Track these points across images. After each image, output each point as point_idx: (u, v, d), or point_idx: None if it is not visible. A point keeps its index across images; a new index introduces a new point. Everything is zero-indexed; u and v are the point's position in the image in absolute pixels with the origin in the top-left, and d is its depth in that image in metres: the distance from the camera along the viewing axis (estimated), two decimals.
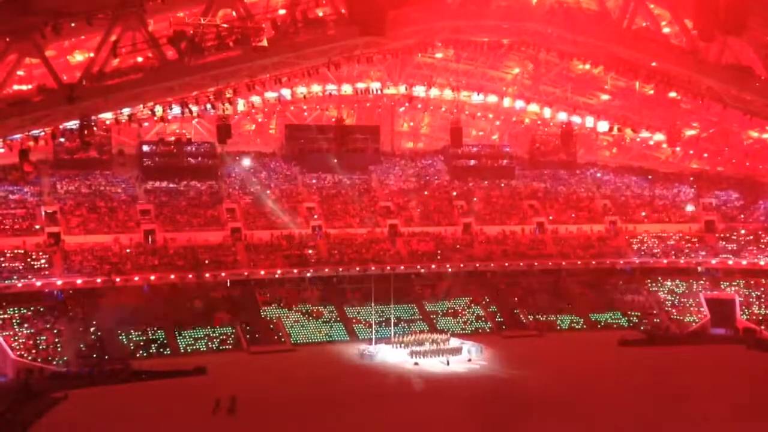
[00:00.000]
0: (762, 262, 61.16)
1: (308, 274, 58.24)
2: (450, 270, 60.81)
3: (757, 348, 51.28)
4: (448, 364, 46.38)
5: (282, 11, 46.77)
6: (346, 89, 61.94)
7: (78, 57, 54.42)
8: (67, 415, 36.22)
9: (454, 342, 50.18)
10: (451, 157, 71.54)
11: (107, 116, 51.23)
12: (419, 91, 64.13)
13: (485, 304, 59.39)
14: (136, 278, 53.52)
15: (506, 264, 62.25)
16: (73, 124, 47.48)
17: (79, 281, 51.97)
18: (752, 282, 60.75)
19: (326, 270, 58.52)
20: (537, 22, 49.82)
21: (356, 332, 54.34)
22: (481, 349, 49.48)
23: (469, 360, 47.67)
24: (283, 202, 63.47)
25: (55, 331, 49.16)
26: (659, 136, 69.04)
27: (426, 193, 68.73)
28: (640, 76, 56.24)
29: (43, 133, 49.82)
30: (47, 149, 57.75)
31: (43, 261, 52.99)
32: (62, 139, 54.71)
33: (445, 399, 39.23)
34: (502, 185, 70.98)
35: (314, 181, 67.35)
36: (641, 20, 50.83)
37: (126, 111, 51.18)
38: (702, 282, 62.08)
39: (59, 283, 51.69)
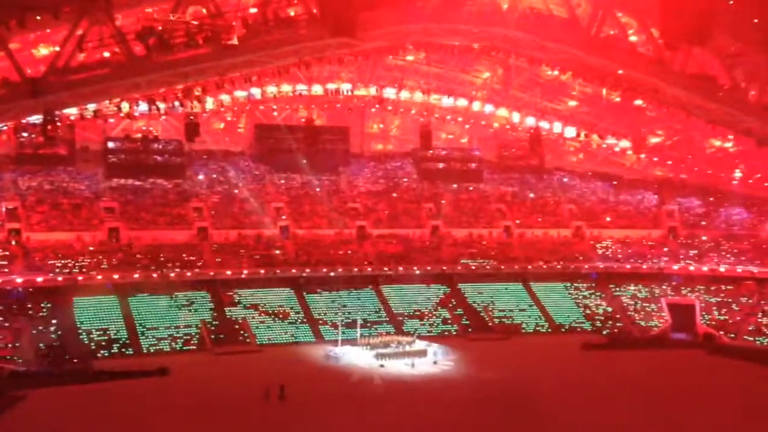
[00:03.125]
0: (722, 269, 62.34)
1: (275, 275, 57.84)
2: (417, 272, 61.01)
3: (716, 353, 52.21)
4: (413, 366, 46.43)
5: (253, 10, 46.43)
6: (317, 90, 61.74)
7: (43, 50, 53.28)
8: (26, 415, 35.50)
9: (420, 344, 50.26)
10: (421, 159, 71.82)
11: (72, 111, 50.48)
12: (390, 93, 64.21)
13: (452, 306, 59.60)
14: (99, 277, 52.67)
15: (473, 267, 62.63)
16: (36, 118, 46.65)
17: (40, 279, 50.99)
18: (712, 288, 61.85)
19: (293, 271, 58.23)
20: (508, 27, 50.17)
21: (322, 334, 54.14)
22: (446, 352, 49.63)
23: (435, 362, 47.76)
24: (251, 202, 63.10)
25: (15, 330, 48.06)
26: (625, 143, 70.07)
27: (395, 195, 68.86)
28: (607, 83, 57.08)
29: (5, 128, 48.95)
30: (9, 144, 56.65)
31: (2, 258, 51.84)
32: (25, 134, 53.64)
33: (408, 401, 39.25)
34: (471, 188, 71.43)
35: (283, 181, 67.04)
36: (609, 28, 51.52)
37: (91, 106, 50.47)
38: (664, 287, 63.10)
39: (19, 280, 50.64)
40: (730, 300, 60.20)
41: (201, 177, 64.90)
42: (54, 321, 49.48)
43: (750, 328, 56.44)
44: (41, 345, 47.22)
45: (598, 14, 48.71)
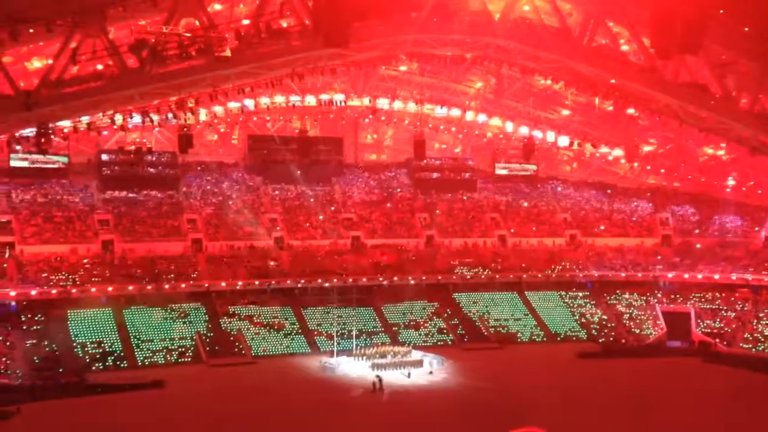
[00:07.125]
0: (716, 276, 62.42)
1: (270, 286, 57.73)
2: (412, 282, 60.94)
3: (711, 361, 52.19)
4: (409, 376, 46.30)
5: (246, 22, 46.65)
6: (310, 100, 61.98)
7: (36, 63, 53.45)
8: (20, 429, 35.24)
9: (416, 354, 50.13)
10: (414, 169, 71.91)
11: (65, 124, 50.48)
12: (383, 103, 64.51)
13: (447, 316, 59.50)
14: (93, 289, 52.47)
15: (468, 276, 62.60)
16: (29, 131, 46.62)
17: (33, 292, 50.76)
18: (707, 295, 61.88)
19: (288, 282, 58.12)
20: (500, 37, 50.47)
21: (317, 344, 53.97)
22: (442, 362, 49.52)
23: (431, 372, 47.64)
24: (245, 213, 63.02)
25: (8, 343, 47.82)
26: (618, 152, 70.43)
27: (389, 205, 68.86)
28: (600, 92, 57.39)
29: None
30: (2, 157, 56.56)
31: None
32: (18, 147, 53.61)
33: (403, 411, 39.15)
34: (465, 198, 71.49)
35: (277, 192, 67.01)
36: (600, 38, 51.84)
37: (85, 119, 50.52)
38: (659, 295, 63.14)
39: (13, 294, 50.38)
40: (725, 307, 60.25)
41: (195, 188, 64.70)
42: (48, 334, 49.20)
43: (745, 336, 56.50)
44: (35, 358, 46.95)
45: (590, 24, 49.03)
